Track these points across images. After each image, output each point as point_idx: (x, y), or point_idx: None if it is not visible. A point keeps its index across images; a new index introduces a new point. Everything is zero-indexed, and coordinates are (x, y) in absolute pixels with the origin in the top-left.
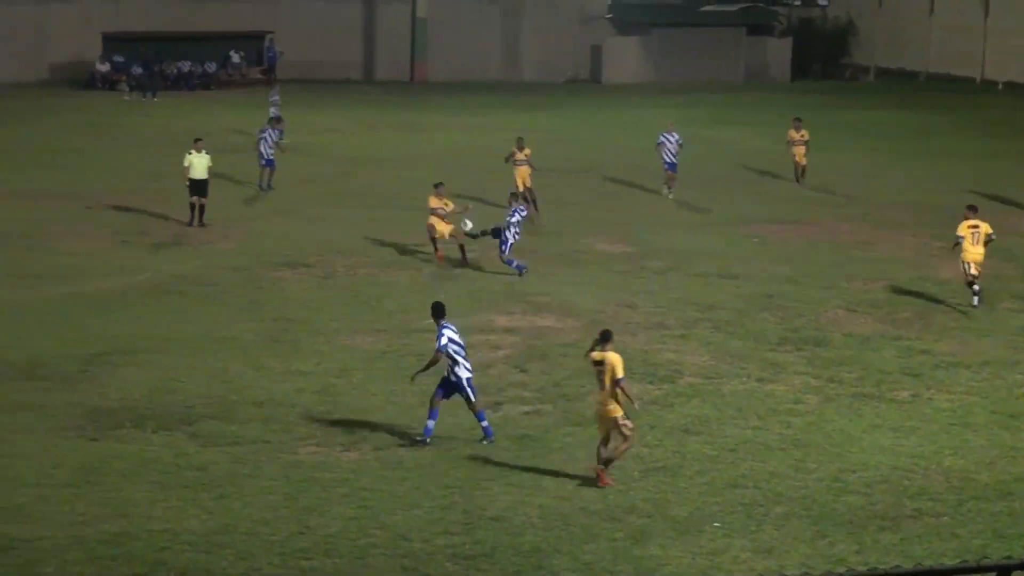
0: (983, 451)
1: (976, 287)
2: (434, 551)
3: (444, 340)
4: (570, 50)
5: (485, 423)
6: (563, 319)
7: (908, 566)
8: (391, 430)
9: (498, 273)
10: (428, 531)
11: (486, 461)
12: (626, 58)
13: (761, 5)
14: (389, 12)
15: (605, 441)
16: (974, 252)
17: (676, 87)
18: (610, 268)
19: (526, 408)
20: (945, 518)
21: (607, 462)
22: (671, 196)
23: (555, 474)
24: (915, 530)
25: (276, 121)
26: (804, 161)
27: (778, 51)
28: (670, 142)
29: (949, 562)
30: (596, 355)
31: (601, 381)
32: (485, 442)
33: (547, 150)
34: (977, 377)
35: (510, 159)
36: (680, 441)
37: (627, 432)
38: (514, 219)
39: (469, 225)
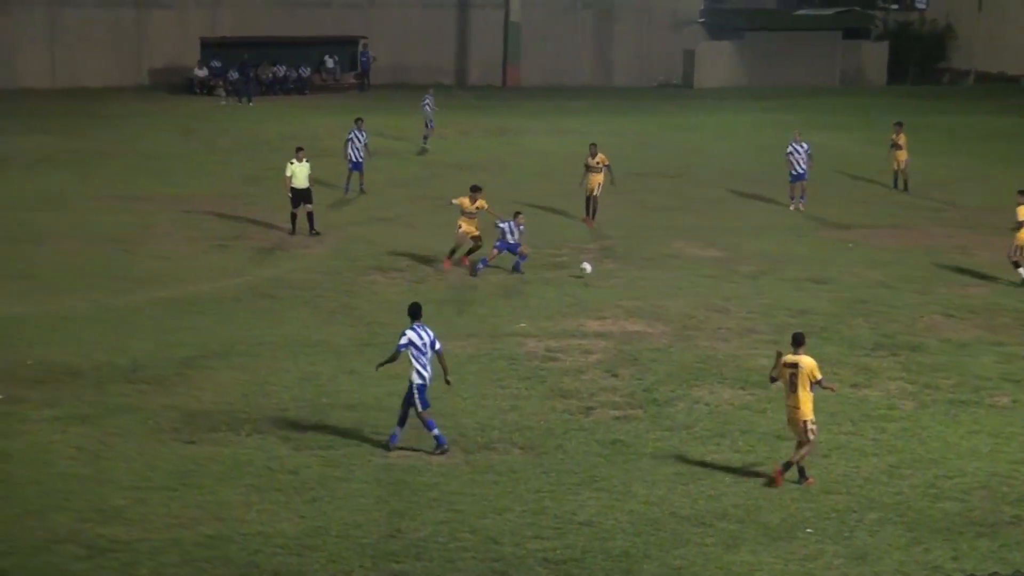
0: None
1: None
2: (524, 555)
3: (404, 340)
4: (662, 54)
5: (436, 431)
6: (654, 324)
7: (1007, 572)
8: (481, 434)
9: (579, 279)
10: (518, 535)
11: (576, 466)
12: (718, 62)
13: (857, 9)
14: (482, 16)
15: (800, 444)
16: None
17: (770, 91)
18: (700, 272)
19: (617, 413)
20: None
21: (787, 465)
22: (801, 207)
23: (645, 479)
24: (1014, 536)
25: (361, 122)
26: (906, 167)
27: (874, 55)
28: (799, 152)
29: None
30: (790, 358)
31: (793, 384)
32: (438, 452)
33: (637, 154)
34: None
35: (587, 168)
36: (773, 447)
37: (812, 436)
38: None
39: (588, 268)
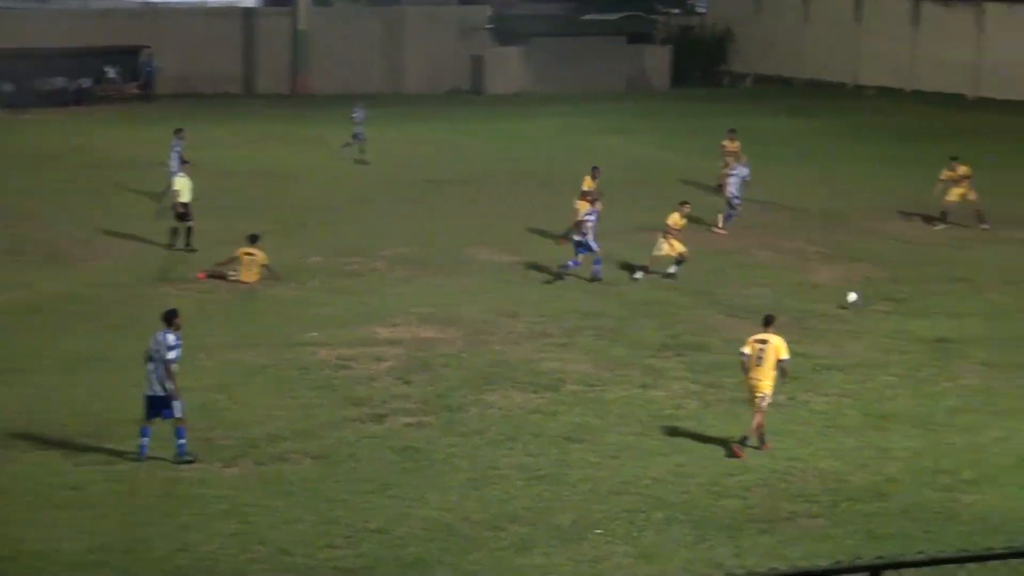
0: (856, 452)
1: None
2: (316, 565)
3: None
4: (452, 61)
5: (145, 439)
6: (446, 329)
7: (784, 568)
8: (272, 445)
9: (377, 286)
10: (310, 545)
11: (368, 474)
12: (507, 68)
13: (641, 14)
14: (269, 25)
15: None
16: None
17: (558, 96)
18: (493, 277)
19: (409, 420)
20: (820, 520)
21: (761, 439)
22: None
23: (438, 485)
24: (791, 532)
25: (182, 132)
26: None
27: (658, 59)
28: (736, 175)
29: (823, 563)
30: (759, 335)
31: (760, 358)
32: (182, 461)
33: (431, 160)
34: (850, 379)
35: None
36: (563, 449)
37: (765, 405)
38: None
39: (853, 297)
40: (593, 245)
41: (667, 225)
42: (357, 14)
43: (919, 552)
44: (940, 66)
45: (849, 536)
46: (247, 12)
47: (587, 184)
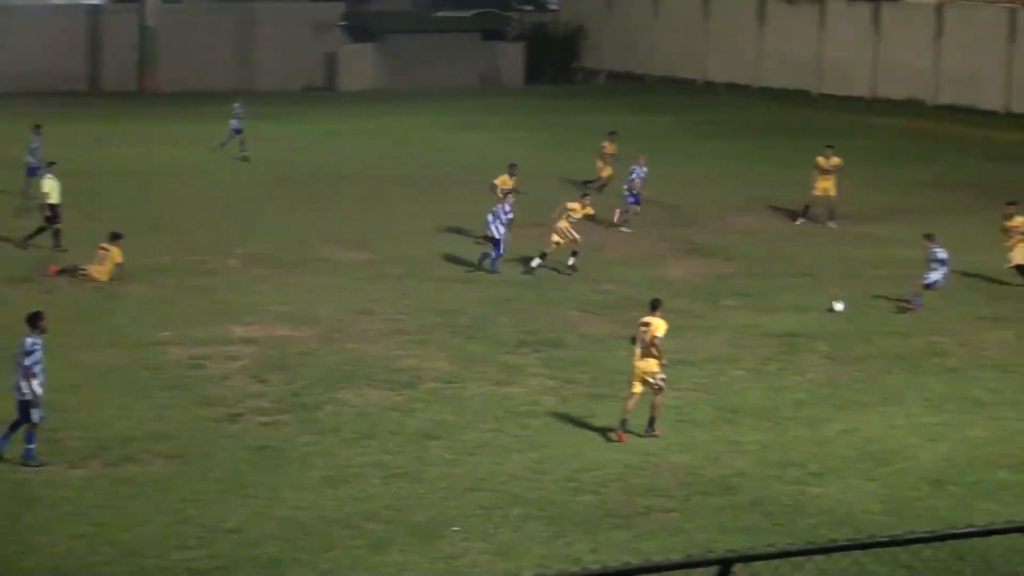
0: (708, 446)
1: None
2: (169, 566)
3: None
4: (305, 58)
5: (4, 442)
6: (301, 328)
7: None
8: (122, 446)
9: (229, 284)
10: (162, 546)
11: (222, 474)
12: (361, 65)
13: (494, 11)
14: (115, 21)
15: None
16: None
17: (413, 93)
18: (349, 275)
19: (264, 419)
20: (674, 514)
21: (651, 422)
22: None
23: (294, 484)
24: (646, 526)
25: (39, 128)
26: (609, 172)
27: (512, 56)
28: (638, 175)
29: (676, 557)
30: (645, 319)
31: (643, 340)
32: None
33: (286, 158)
34: (702, 374)
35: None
36: (421, 447)
37: (662, 384)
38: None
39: (840, 306)
40: (501, 240)
41: (568, 211)
42: (207, 10)
43: (768, 545)
44: (785, 63)
45: (702, 530)
46: (92, 9)
47: (504, 182)
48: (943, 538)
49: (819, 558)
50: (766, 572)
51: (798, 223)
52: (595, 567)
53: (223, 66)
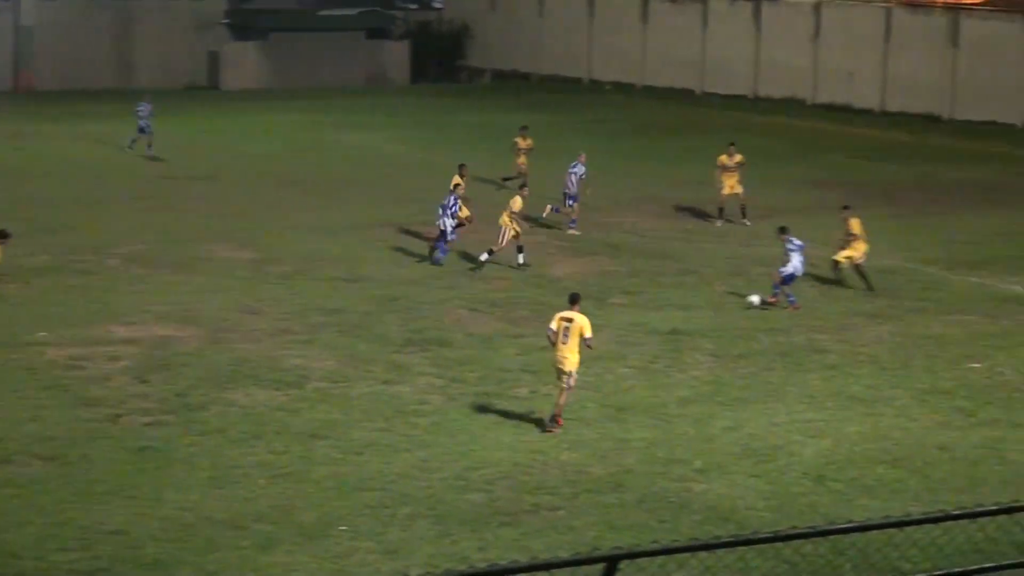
0: (595, 444)
1: None
2: (48, 568)
3: None
4: (186, 56)
5: None
6: (185, 328)
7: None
8: None
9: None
10: (40, 548)
11: (103, 475)
12: (245, 64)
13: (379, 9)
14: None
15: (562, 392)
16: None
17: (298, 92)
18: (234, 275)
19: (147, 419)
20: (562, 511)
21: (553, 417)
22: (575, 231)
23: (178, 485)
24: (534, 524)
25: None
26: (525, 168)
27: (397, 55)
28: (574, 173)
29: (564, 554)
30: (566, 313)
31: (566, 336)
32: None
33: (168, 157)
34: (589, 372)
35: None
36: (307, 446)
37: (572, 385)
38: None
39: (755, 299)
40: (451, 233)
41: (511, 210)
42: (84, 8)
43: (654, 542)
44: (669, 62)
45: (589, 527)
46: None
47: (457, 180)
48: (824, 533)
49: (704, 554)
50: (652, 569)
51: (718, 225)
52: (483, 565)
53: (101, 64)
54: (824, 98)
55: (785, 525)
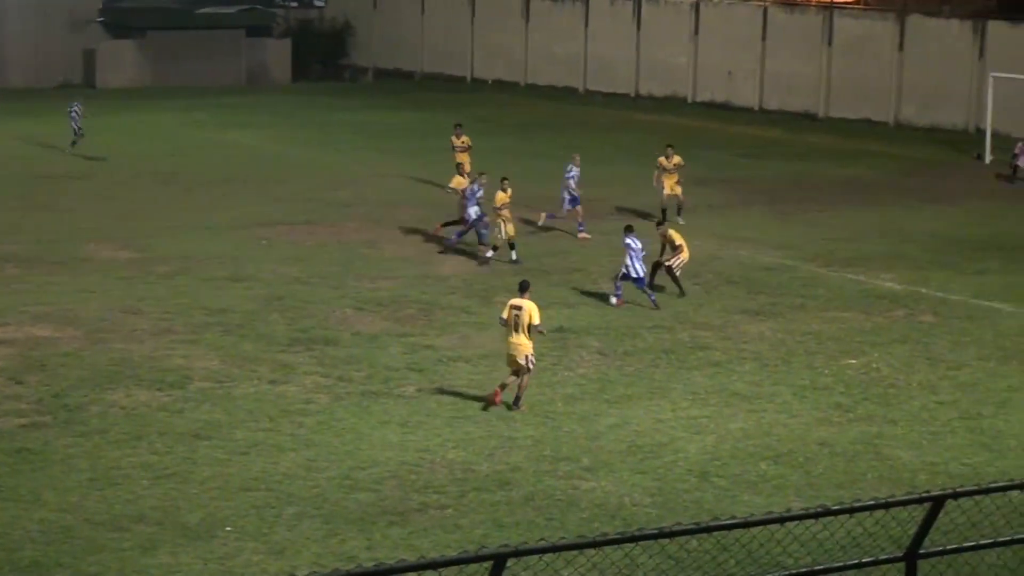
0: (483, 442)
1: None
2: None
3: None
4: (61, 54)
5: None
6: (64, 328)
7: (413, 559)
8: None
9: None
10: None
11: None
12: (122, 62)
13: (259, 7)
14: None
15: (515, 374)
16: None
17: (177, 91)
18: (114, 275)
19: (23, 421)
20: (449, 510)
21: (517, 399)
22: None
23: (56, 487)
24: (422, 523)
25: None
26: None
27: (278, 53)
28: (571, 177)
29: (452, 553)
30: (516, 301)
31: (517, 324)
32: None
33: (44, 156)
34: (476, 370)
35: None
36: (191, 447)
37: (532, 367)
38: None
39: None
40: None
41: (496, 206)
42: None
43: (541, 540)
44: (552, 60)
45: (476, 525)
46: None
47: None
48: (708, 530)
49: (591, 552)
50: (539, 567)
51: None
52: (370, 564)
53: None
54: (704, 96)
55: (670, 521)
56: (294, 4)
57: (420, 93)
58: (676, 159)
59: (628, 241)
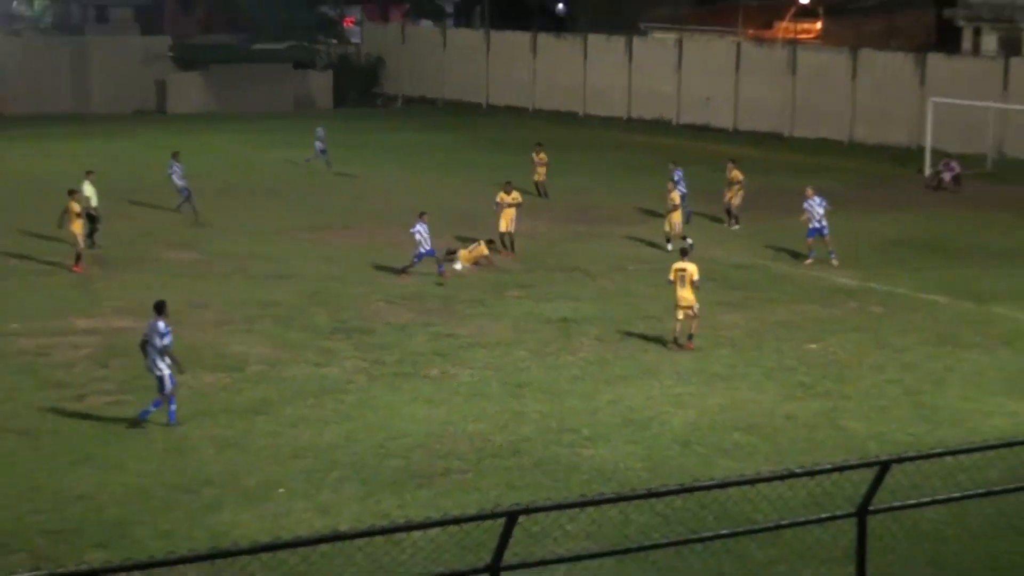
0: (497, 416)
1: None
2: (22, 528)
3: None
4: (136, 84)
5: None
6: (140, 320)
7: (438, 515)
8: None
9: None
10: (15, 510)
11: (71, 447)
12: (188, 91)
13: (304, 44)
14: None
15: (681, 324)
16: None
17: (235, 116)
18: (181, 273)
19: (108, 399)
20: (469, 474)
21: (689, 336)
22: (834, 263)
23: (137, 455)
24: (445, 486)
25: (178, 155)
26: (540, 178)
27: (321, 83)
28: (815, 207)
29: (472, 511)
30: (679, 264)
31: (683, 281)
32: None
33: (120, 172)
34: (491, 355)
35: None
36: (249, 421)
37: (697, 312)
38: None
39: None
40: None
41: (495, 203)
42: (46, 44)
43: (548, 499)
44: (555, 88)
45: (492, 487)
46: None
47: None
48: (690, 490)
49: (591, 509)
50: (546, 522)
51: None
52: (402, 520)
53: (60, 92)
54: (686, 119)
55: (658, 483)
56: (334, 41)
57: (442, 117)
58: (735, 174)
59: (419, 227)
